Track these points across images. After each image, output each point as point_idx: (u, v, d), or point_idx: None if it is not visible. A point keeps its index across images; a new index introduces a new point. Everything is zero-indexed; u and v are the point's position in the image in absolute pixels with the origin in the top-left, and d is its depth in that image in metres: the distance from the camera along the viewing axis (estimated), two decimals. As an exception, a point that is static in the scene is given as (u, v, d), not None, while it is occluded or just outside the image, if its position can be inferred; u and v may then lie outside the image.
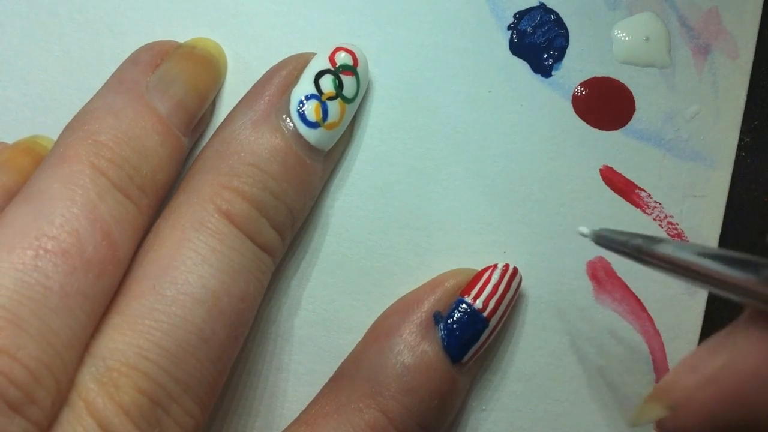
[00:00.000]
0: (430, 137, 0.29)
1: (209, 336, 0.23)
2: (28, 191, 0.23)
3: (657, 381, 0.29)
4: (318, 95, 0.26)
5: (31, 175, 0.24)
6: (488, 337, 0.26)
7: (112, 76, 0.27)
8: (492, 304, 0.26)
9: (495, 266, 0.27)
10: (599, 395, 0.29)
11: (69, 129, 0.25)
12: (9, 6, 0.30)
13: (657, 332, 0.29)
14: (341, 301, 0.27)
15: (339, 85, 0.27)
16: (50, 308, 0.21)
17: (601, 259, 0.29)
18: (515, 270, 0.27)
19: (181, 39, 0.29)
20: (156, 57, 0.27)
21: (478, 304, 0.26)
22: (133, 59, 0.27)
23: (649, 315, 0.29)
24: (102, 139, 0.24)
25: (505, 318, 0.27)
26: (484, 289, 0.26)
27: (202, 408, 0.24)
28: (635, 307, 0.29)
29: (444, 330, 0.26)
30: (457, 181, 0.29)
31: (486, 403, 0.29)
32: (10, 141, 0.28)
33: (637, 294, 0.29)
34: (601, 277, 0.29)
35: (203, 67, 0.28)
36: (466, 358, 0.26)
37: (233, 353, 0.25)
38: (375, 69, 0.30)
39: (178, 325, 0.23)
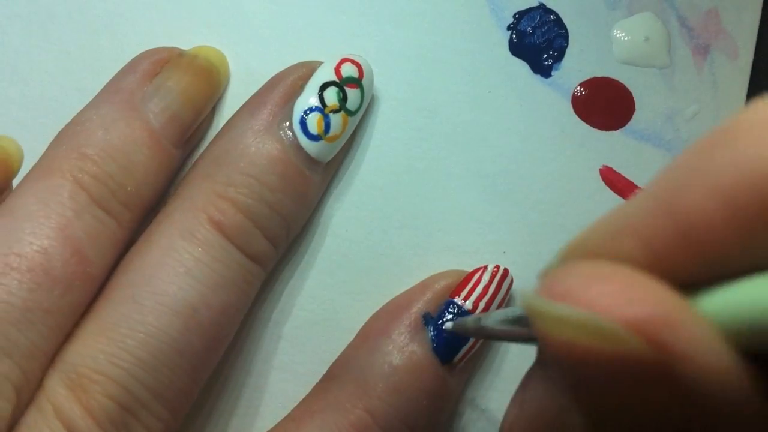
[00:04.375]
0: (430, 137, 0.29)
1: (184, 347, 0.23)
2: (5, 206, 0.24)
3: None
4: (321, 108, 0.26)
5: None
6: (479, 339, 0.26)
7: (109, 83, 0.27)
8: (482, 305, 0.26)
9: (485, 267, 0.27)
10: (599, 395, 0.29)
11: (58, 139, 0.25)
12: (9, 7, 0.30)
13: (657, 332, 0.29)
14: (341, 301, 0.27)
15: (343, 98, 0.26)
16: (10, 322, 0.22)
17: (601, 259, 0.29)
18: (506, 271, 0.27)
19: (180, 40, 0.29)
20: (155, 65, 0.26)
21: (468, 305, 0.26)
22: (132, 67, 0.27)
23: (649, 315, 0.29)
24: (88, 153, 0.24)
25: None
26: (474, 290, 0.26)
27: (173, 412, 0.24)
28: (635, 307, 0.29)
29: (433, 331, 0.26)
30: (457, 181, 0.29)
31: (486, 403, 0.28)
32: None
33: (637, 294, 0.29)
34: (601, 277, 0.29)
35: (203, 79, 0.27)
36: (456, 359, 0.26)
37: (210, 362, 0.25)
38: (375, 69, 0.29)
39: (153, 335, 0.23)
